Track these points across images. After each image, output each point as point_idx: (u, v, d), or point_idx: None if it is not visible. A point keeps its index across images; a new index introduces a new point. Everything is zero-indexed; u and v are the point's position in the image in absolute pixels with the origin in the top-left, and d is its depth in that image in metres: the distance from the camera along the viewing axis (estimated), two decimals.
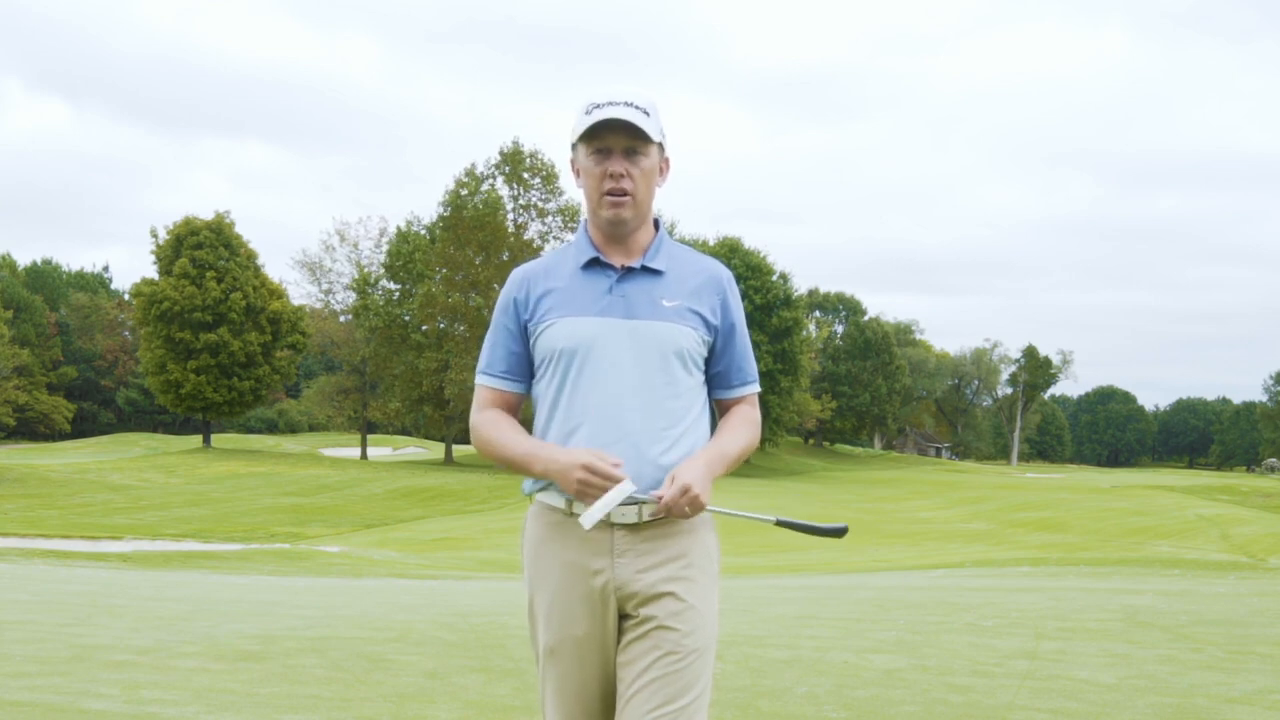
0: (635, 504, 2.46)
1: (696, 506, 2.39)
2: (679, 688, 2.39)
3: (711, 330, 2.58)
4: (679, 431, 2.51)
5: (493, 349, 2.63)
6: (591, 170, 2.50)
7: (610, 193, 2.48)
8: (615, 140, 2.47)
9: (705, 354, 2.59)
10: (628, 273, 2.54)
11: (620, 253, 2.56)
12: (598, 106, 2.46)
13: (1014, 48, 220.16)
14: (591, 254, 2.55)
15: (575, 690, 2.50)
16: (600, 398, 2.47)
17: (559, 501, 2.51)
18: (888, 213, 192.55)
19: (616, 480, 2.37)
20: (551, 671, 2.51)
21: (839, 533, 2.60)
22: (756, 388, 2.70)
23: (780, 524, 2.59)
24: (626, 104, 2.46)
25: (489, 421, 2.60)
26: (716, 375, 2.64)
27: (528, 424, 2.65)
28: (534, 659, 2.60)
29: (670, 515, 2.42)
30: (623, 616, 2.49)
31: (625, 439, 2.46)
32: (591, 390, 2.48)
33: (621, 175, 2.48)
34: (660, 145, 2.55)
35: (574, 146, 2.56)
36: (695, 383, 2.57)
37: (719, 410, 2.71)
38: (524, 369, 2.61)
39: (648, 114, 2.48)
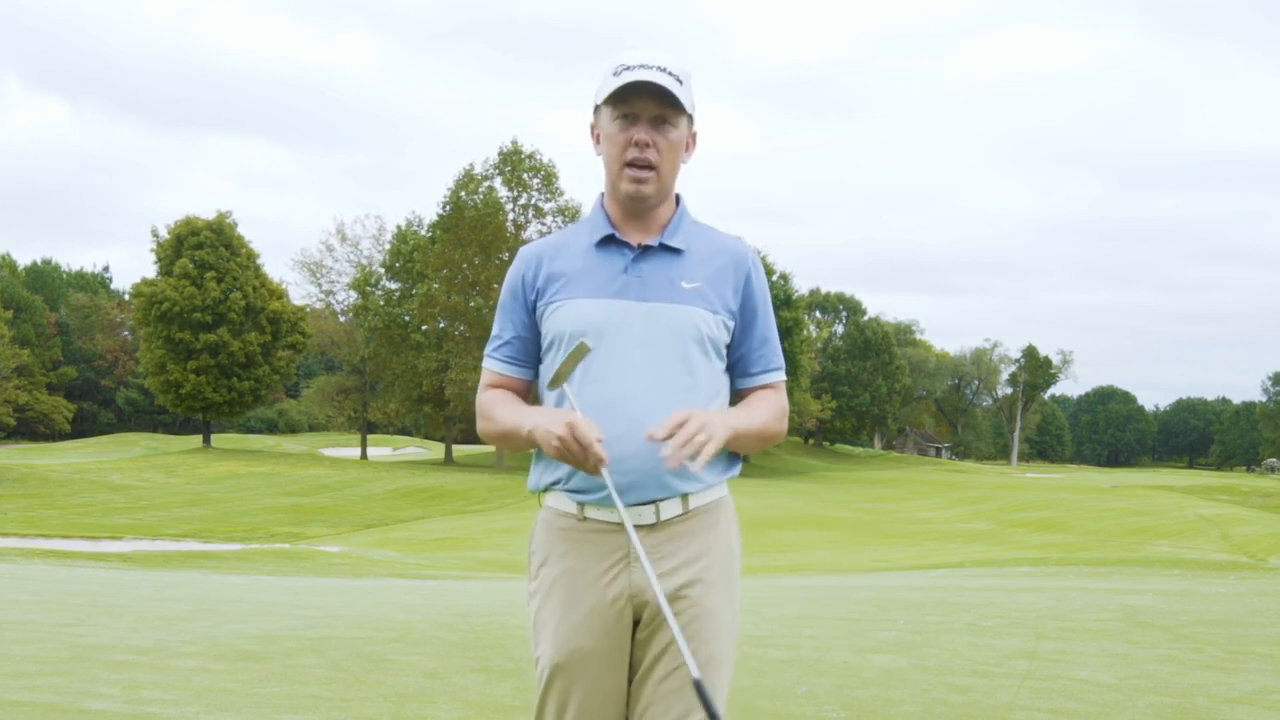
0: (652, 503, 2.28)
1: (700, 441, 2.11)
2: (691, 702, 2.24)
3: (734, 314, 2.39)
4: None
5: (499, 331, 2.46)
6: (615, 137, 2.30)
7: (632, 164, 2.29)
8: (644, 106, 2.27)
9: (727, 340, 2.39)
10: (644, 251, 2.34)
11: (638, 230, 2.37)
12: (628, 68, 2.25)
13: (1015, 47, 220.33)
14: (606, 230, 2.35)
15: (585, 707, 2.29)
16: (612, 386, 2.28)
17: (570, 506, 2.33)
18: (888, 213, 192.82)
19: (592, 450, 2.13)
20: (557, 689, 2.30)
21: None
22: (781, 376, 2.47)
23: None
24: (660, 69, 2.25)
25: (488, 399, 2.44)
26: (737, 362, 2.44)
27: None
28: (537, 674, 2.37)
29: (669, 453, 2.12)
30: (636, 623, 2.31)
31: (637, 432, 2.24)
32: (602, 378, 2.29)
33: (647, 145, 2.28)
34: (690, 118, 2.34)
35: (597, 110, 2.36)
36: (716, 370, 2.37)
37: (740, 401, 2.50)
38: (529, 354, 2.44)
39: (681, 82, 2.28)
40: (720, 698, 2.32)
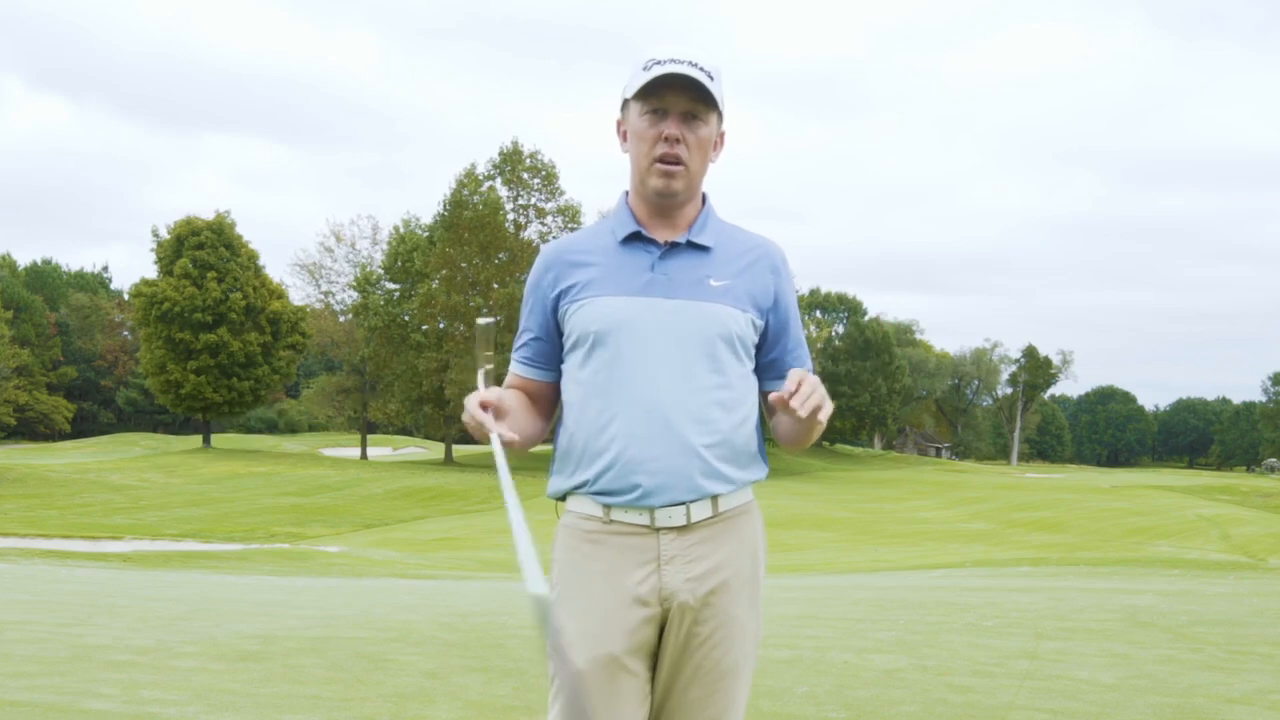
0: (682, 505, 2.23)
1: (817, 399, 2.10)
2: (719, 709, 2.23)
3: (764, 313, 2.34)
4: (728, 425, 2.27)
5: (520, 331, 2.42)
6: (644, 132, 2.26)
7: (662, 159, 2.24)
8: (674, 101, 2.23)
9: (756, 339, 2.34)
10: (671, 248, 2.29)
11: (664, 227, 2.32)
12: (658, 62, 2.22)
13: (1020, 46, 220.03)
14: (632, 227, 2.30)
15: (605, 716, 2.20)
16: (638, 386, 2.23)
17: (595, 509, 2.27)
18: (891, 212, 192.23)
19: (476, 416, 2.15)
20: (578, 696, 2.19)
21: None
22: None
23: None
24: (691, 64, 2.22)
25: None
26: (770, 364, 2.39)
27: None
28: (553, 686, 2.27)
29: (793, 407, 2.10)
30: (660, 629, 2.26)
31: (667, 433, 2.21)
32: (628, 378, 2.23)
33: (676, 140, 2.24)
34: (720, 115, 2.31)
35: (625, 105, 2.32)
36: (745, 371, 2.32)
37: (770, 404, 2.41)
38: (548, 355, 2.39)
39: (712, 78, 2.24)
40: (739, 704, 2.30)
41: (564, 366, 2.37)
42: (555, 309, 2.35)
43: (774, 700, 5.09)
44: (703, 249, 2.32)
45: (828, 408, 2.13)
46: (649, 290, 2.27)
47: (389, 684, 5.34)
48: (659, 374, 2.24)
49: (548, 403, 2.43)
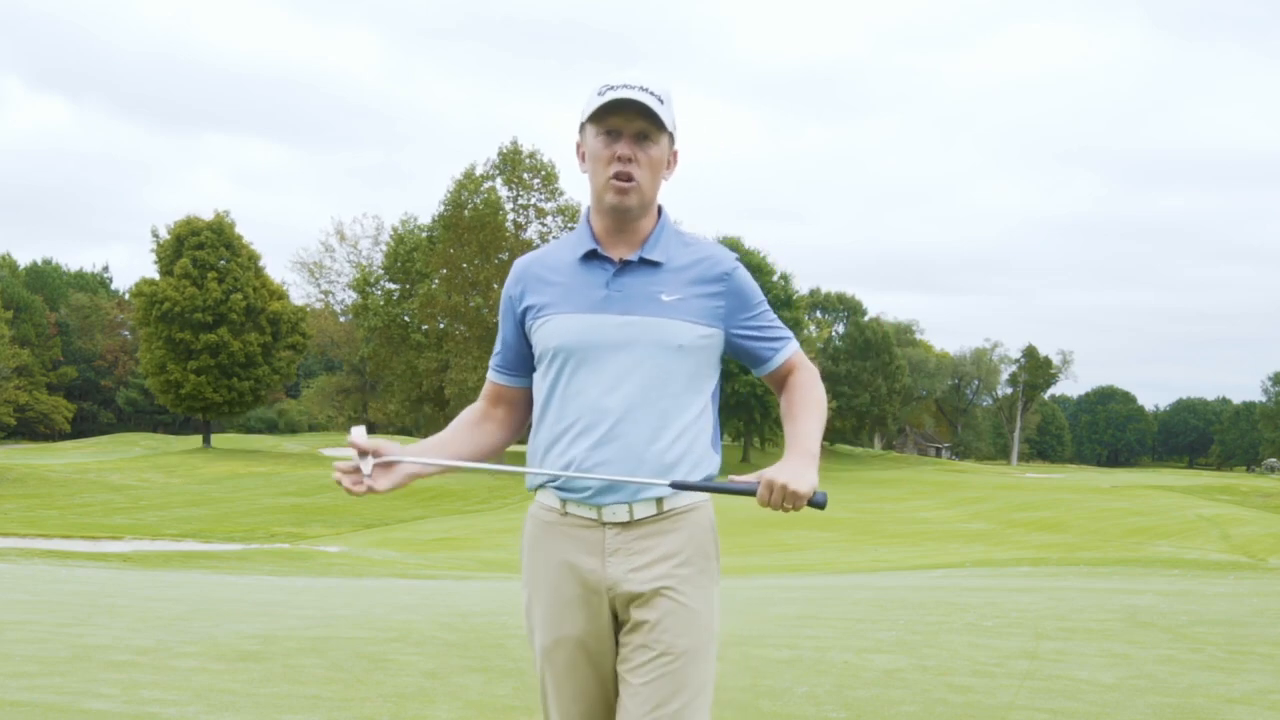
0: (626, 504, 2.41)
1: (794, 498, 2.36)
2: (670, 690, 2.34)
3: (717, 321, 2.49)
4: (676, 432, 2.42)
5: (497, 340, 2.63)
6: (599, 153, 2.43)
7: (616, 177, 2.41)
8: (626, 123, 2.41)
9: (711, 345, 2.49)
10: (625, 266, 2.46)
11: (621, 244, 2.49)
12: (611, 88, 2.40)
13: (1020, 45, 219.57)
14: (589, 245, 2.47)
15: (574, 692, 2.45)
16: (593, 399, 2.41)
17: (554, 501, 2.47)
18: (891, 212, 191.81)
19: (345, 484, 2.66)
20: (549, 673, 2.47)
21: (749, 491, 2.36)
22: (793, 345, 2.59)
23: (677, 486, 2.40)
24: (641, 88, 2.40)
25: (460, 416, 2.67)
26: (747, 358, 2.56)
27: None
28: (533, 661, 2.56)
29: (771, 506, 2.37)
30: (617, 618, 2.43)
31: (618, 440, 2.40)
32: (584, 391, 2.42)
33: (629, 159, 2.41)
34: (671, 136, 2.49)
35: (582, 128, 2.49)
36: (698, 380, 2.48)
37: (774, 385, 2.62)
38: (520, 363, 2.60)
39: (662, 101, 2.42)
40: (702, 692, 2.39)
41: (534, 376, 2.57)
42: (522, 322, 2.55)
43: (774, 700, 5.09)
44: (654, 265, 2.48)
45: (803, 494, 2.37)
46: (604, 307, 2.45)
47: (389, 684, 5.35)
48: (610, 387, 2.42)
49: (523, 406, 2.65)
